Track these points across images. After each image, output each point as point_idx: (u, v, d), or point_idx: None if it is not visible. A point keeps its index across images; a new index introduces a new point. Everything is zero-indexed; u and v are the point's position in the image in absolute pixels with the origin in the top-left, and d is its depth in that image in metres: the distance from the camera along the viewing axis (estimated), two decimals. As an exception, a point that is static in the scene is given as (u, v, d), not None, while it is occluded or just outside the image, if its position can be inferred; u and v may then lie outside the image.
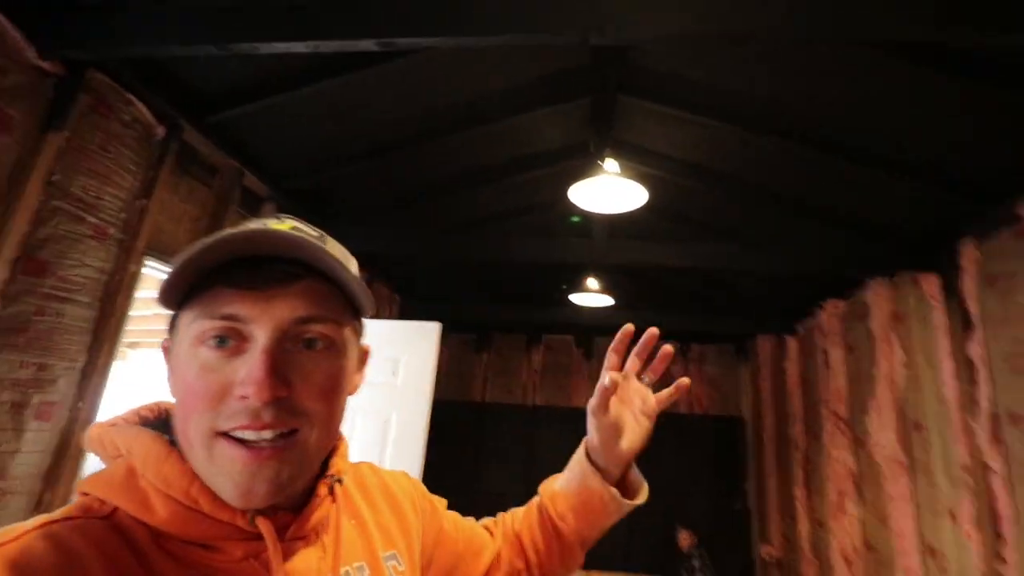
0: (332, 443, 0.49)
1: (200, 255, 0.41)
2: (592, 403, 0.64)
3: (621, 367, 0.68)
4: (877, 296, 3.08)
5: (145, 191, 1.94)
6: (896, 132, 2.13)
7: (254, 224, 0.46)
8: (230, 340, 0.42)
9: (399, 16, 1.21)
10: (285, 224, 0.47)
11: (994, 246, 2.30)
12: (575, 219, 3.02)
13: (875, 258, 2.82)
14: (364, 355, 0.53)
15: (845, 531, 3.32)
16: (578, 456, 0.68)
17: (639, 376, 0.68)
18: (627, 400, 0.67)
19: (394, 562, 0.55)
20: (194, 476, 0.42)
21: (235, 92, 2.06)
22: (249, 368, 0.41)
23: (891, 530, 2.84)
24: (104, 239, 1.79)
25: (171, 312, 0.46)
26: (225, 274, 0.43)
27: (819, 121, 2.24)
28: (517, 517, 0.73)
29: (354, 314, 0.49)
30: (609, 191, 2.14)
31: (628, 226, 3.06)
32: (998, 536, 2.18)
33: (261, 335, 0.42)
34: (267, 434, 0.40)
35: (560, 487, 0.70)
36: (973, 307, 2.37)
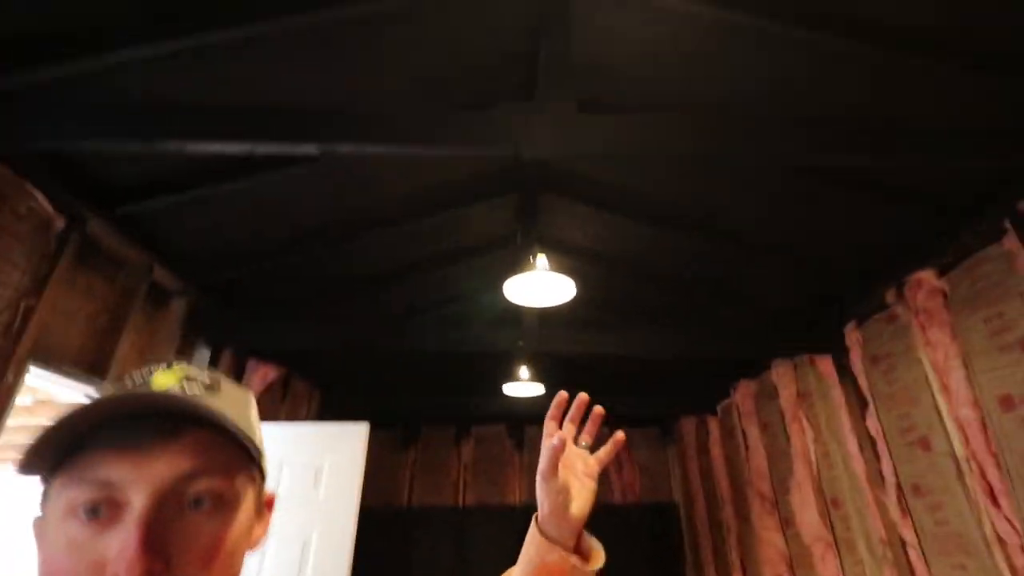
0: None
1: (72, 419, 0.38)
2: (542, 467, 0.63)
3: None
4: (782, 376, 3.33)
5: (35, 288, 1.74)
6: (788, 228, 2.45)
7: (135, 381, 0.44)
8: (103, 510, 0.38)
9: (343, 123, 1.26)
10: (173, 374, 0.45)
11: (871, 329, 2.62)
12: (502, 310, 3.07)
13: (777, 340, 3.09)
14: (268, 503, 0.50)
15: (784, 618, 3.29)
16: (531, 535, 0.67)
17: (576, 441, 0.69)
18: (569, 465, 0.66)
19: None
20: None
21: (148, 184, 1.98)
22: (122, 543, 0.37)
23: (826, 612, 2.86)
24: (-23, 343, 1.56)
25: (40, 482, 0.42)
26: (100, 434, 0.40)
27: (721, 216, 2.53)
28: None
29: (250, 459, 0.46)
30: (540, 285, 2.23)
31: (557, 315, 3.16)
32: (921, 609, 2.26)
33: (137, 500, 0.38)
34: None
35: (517, 568, 0.68)
36: (864, 384, 2.63)
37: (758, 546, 3.63)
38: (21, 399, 3.27)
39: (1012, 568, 1.85)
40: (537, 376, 4.09)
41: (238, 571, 0.43)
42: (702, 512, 4.74)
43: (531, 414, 5.35)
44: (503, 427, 5.74)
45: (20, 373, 1.64)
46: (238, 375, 2.97)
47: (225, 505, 0.42)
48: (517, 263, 2.57)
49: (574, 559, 0.63)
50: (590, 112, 1.50)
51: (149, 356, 2.27)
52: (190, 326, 2.58)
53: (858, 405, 2.67)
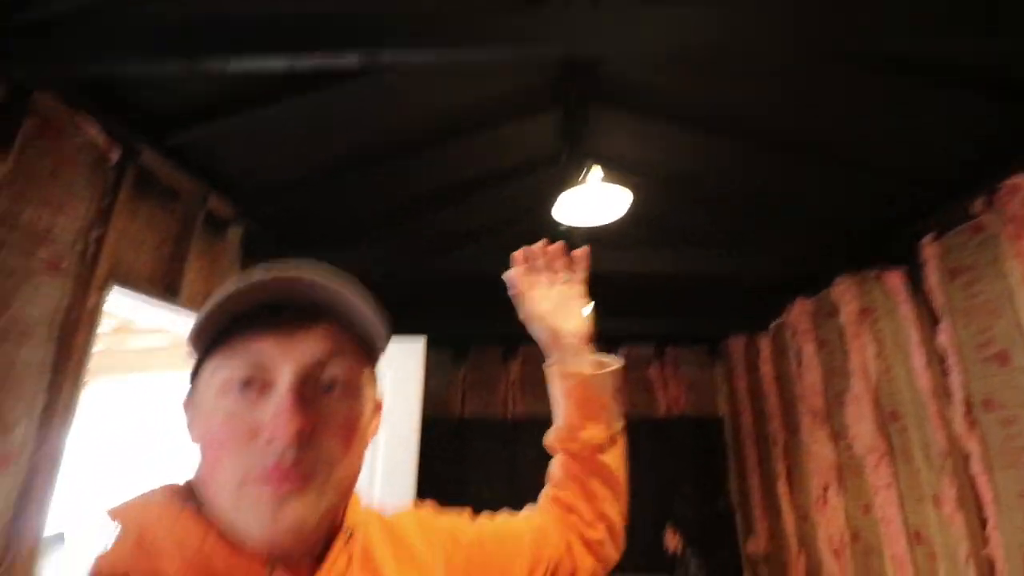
0: (351, 492, 0.49)
1: (233, 300, 0.43)
2: (511, 292, 0.73)
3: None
4: (844, 293, 3.18)
5: (102, 219, 1.81)
6: (860, 133, 2.22)
7: (278, 269, 0.46)
8: (254, 385, 0.43)
9: (386, 29, 1.17)
10: (292, 269, 0.48)
11: (953, 242, 2.41)
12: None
13: (843, 255, 2.92)
14: (378, 406, 0.54)
15: (830, 522, 3.38)
16: (548, 375, 0.76)
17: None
18: (546, 294, 0.75)
19: None
20: (209, 528, 0.41)
21: (197, 111, 1.96)
22: (276, 408, 0.42)
23: (876, 518, 2.91)
24: (57, 272, 1.65)
25: (192, 366, 0.48)
26: (248, 319, 0.45)
27: (784, 123, 2.31)
28: (556, 482, 0.77)
29: (369, 359, 0.51)
30: (591, 201, 2.14)
31: (606, 235, 3.07)
32: (980, 518, 2.26)
33: (283, 376, 0.43)
34: (292, 475, 0.41)
35: (554, 423, 0.77)
36: (938, 300, 2.47)
37: (806, 457, 3.67)
38: (103, 326, 3.56)
39: (1090, 481, 1.79)
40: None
41: (362, 458, 0.48)
42: (748, 426, 4.81)
43: (576, 334, 5.42)
44: (549, 347, 5.86)
45: (100, 296, 1.74)
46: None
47: (353, 393, 0.47)
48: (564, 182, 2.47)
49: (584, 365, 0.70)
50: (654, 4, 1.32)
51: (215, 282, 2.37)
52: (247, 254, 2.66)
53: (928, 320, 2.53)
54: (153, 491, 0.46)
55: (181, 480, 0.48)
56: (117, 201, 1.86)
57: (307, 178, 2.50)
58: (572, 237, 2.92)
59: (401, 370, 2.61)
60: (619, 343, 5.79)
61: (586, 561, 0.67)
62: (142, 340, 3.99)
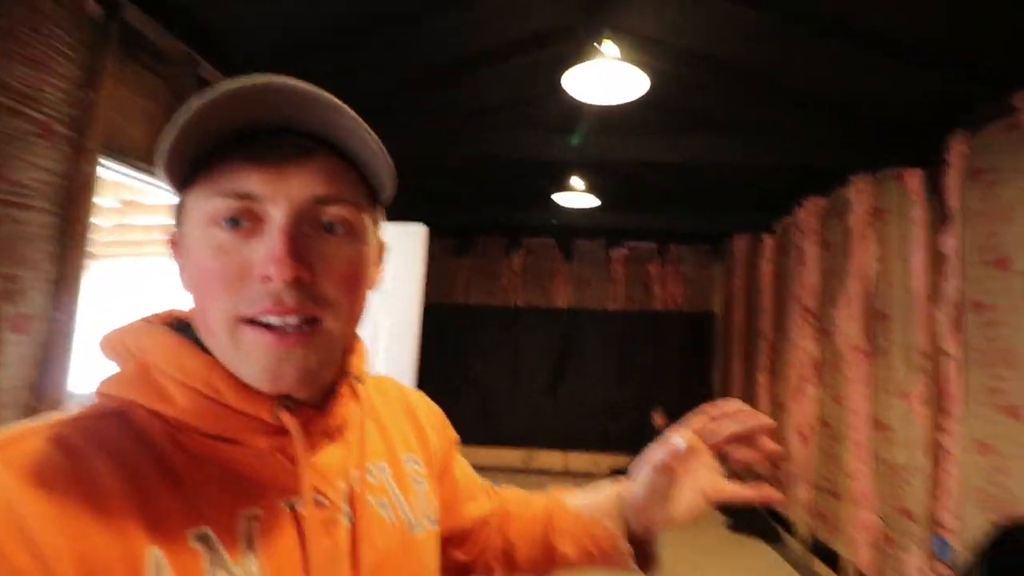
0: (353, 338, 0.47)
1: (204, 115, 0.37)
2: (656, 459, 0.56)
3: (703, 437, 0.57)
4: (860, 192, 3.10)
5: (90, 81, 1.72)
6: (896, 14, 2.00)
7: (258, 77, 0.39)
8: (244, 221, 0.39)
9: None
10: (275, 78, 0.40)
11: (984, 139, 2.30)
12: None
13: (862, 151, 2.80)
14: (381, 249, 0.49)
15: (803, 411, 3.65)
16: (609, 502, 0.61)
17: (721, 456, 0.56)
18: (691, 471, 0.56)
19: (414, 464, 0.54)
20: (215, 365, 0.40)
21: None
22: (269, 247, 0.38)
23: (846, 409, 3.13)
24: (51, 137, 1.61)
25: (176, 195, 0.42)
26: (233, 146, 0.39)
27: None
28: (515, 500, 0.67)
29: (371, 199, 0.45)
30: (604, 78, 2.00)
31: (618, 119, 2.92)
32: (944, 412, 2.43)
33: (277, 214, 0.39)
34: (291, 319, 0.38)
35: (574, 508, 0.63)
36: (954, 201, 2.42)
37: (790, 351, 3.86)
38: (108, 201, 3.54)
39: (1056, 381, 1.89)
40: (590, 188, 3.99)
41: (364, 302, 0.45)
42: (740, 322, 4.98)
43: (580, 226, 5.41)
44: (552, 240, 5.87)
45: (92, 164, 1.71)
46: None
47: (355, 235, 0.43)
48: (579, 60, 2.29)
49: (621, 544, 0.57)
50: None
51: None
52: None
53: (938, 223, 2.50)
54: (139, 321, 0.43)
55: (164, 313, 0.45)
56: (104, 63, 1.75)
57: (301, 46, 2.33)
58: (582, 118, 2.78)
59: (403, 255, 2.64)
60: (623, 237, 5.81)
61: (487, 547, 0.63)
62: (152, 218, 3.99)
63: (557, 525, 0.63)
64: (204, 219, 0.39)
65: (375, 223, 0.46)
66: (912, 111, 2.52)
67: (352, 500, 0.44)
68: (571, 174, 3.83)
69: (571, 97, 2.17)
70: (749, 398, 4.62)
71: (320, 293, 0.40)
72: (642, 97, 2.38)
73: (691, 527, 0.56)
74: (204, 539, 0.36)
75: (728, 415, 0.56)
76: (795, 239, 3.88)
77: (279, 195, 0.39)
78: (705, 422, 0.57)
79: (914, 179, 2.65)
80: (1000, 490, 2.08)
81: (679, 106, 3.15)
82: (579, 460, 5.61)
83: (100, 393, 0.40)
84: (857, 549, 2.96)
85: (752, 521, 4.10)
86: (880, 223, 2.93)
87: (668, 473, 0.56)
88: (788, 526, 3.80)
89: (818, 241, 3.58)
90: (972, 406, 2.25)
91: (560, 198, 3.99)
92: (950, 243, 2.41)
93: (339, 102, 0.40)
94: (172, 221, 0.43)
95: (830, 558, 3.22)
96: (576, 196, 3.92)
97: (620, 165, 3.42)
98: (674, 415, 5.45)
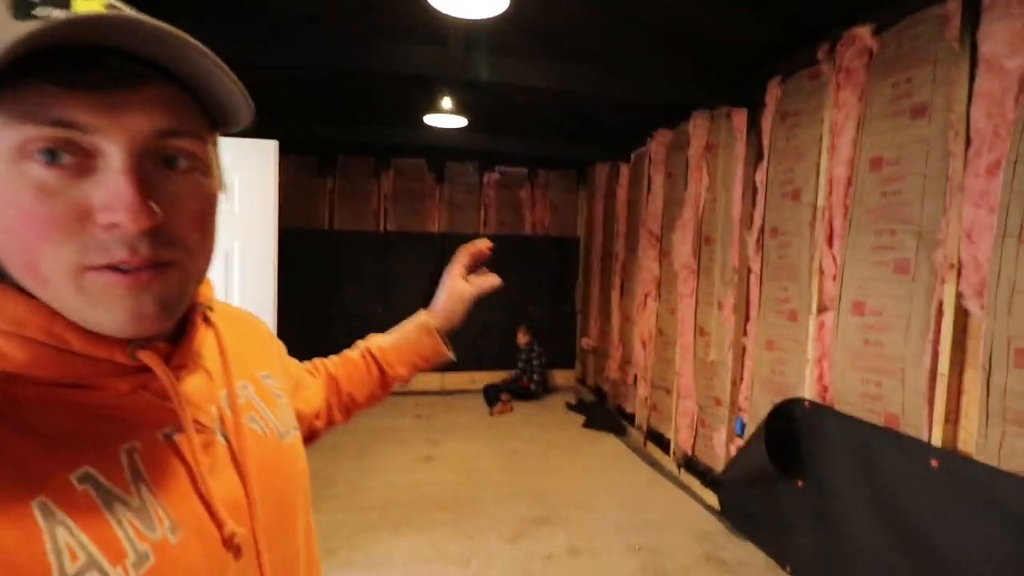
0: (207, 272, 0.46)
1: (23, 42, 0.30)
2: (459, 266, 0.85)
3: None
4: (697, 127, 3.44)
5: None
6: None
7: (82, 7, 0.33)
8: (65, 155, 0.33)
9: None
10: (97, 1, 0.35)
11: (792, 85, 2.66)
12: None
13: (704, 89, 3.08)
14: (222, 180, 0.46)
15: (645, 322, 4.18)
16: (420, 320, 0.84)
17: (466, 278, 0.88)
18: (465, 282, 0.87)
19: (270, 380, 0.56)
20: (53, 313, 0.36)
21: None
22: (113, 191, 0.34)
23: (677, 318, 3.66)
24: None
25: None
26: (47, 67, 0.33)
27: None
28: (333, 362, 0.81)
29: (211, 128, 0.42)
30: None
31: (484, 36, 2.84)
32: (746, 317, 2.96)
33: (115, 150, 0.34)
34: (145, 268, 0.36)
35: (391, 343, 0.83)
36: (766, 140, 2.80)
37: (637, 271, 4.33)
38: None
39: (820, 290, 2.40)
40: (459, 109, 3.89)
41: (216, 237, 0.43)
42: (599, 245, 5.41)
43: (452, 148, 5.30)
44: (423, 161, 5.69)
45: None
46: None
47: (202, 169, 0.40)
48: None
49: (444, 347, 0.83)
50: None
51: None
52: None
53: (754, 159, 2.89)
54: None
55: None
56: None
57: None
58: (447, 32, 2.66)
59: (253, 174, 2.39)
60: (495, 162, 5.83)
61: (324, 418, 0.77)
62: None
63: (386, 358, 0.81)
64: (11, 150, 0.33)
65: (217, 154, 0.44)
66: (745, 54, 2.81)
67: (223, 420, 0.46)
68: (437, 92, 3.68)
69: (431, 6, 2.05)
70: (605, 314, 5.16)
71: (174, 236, 0.37)
72: (508, 16, 2.33)
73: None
74: (87, 478, 0.35)
75: (457, 275, 0.85)
76: (646, 168, 4.23)
77: (114, 128, 0.34)
78: (463, 260, 0.86)
79: (740, 118, 3.00)
80: (779, 377, 2.65)
81: (545, 32, 3.14)
82: (455, 379, 5.88)
83: None
84: (680, 432, 3.61)
85: (602, 418, 4.73)
86: (711, 156, 3.31)
87: (458, 283, 0.85)
88: (631, 419, 4.45)
89: (664, 171, 3.95)
90: (764, 312, 2.78)
91: (430, 119, 3.84)
92: (760, 177, 2.82)
93: (189, 39, 0.35)
94: None
95: (662, 443, 3.88)
96: (444, 117, 3.80)
97: (486, 85, 3.36)
98: (543, 334, 5.90)
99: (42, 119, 0.33)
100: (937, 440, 1.83)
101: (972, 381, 1.75)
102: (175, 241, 0.37)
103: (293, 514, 0.50)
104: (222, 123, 0.43)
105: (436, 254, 5.71)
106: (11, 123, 0.33)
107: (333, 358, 0.82)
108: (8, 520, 0.31)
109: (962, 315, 1.77)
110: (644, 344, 4.20)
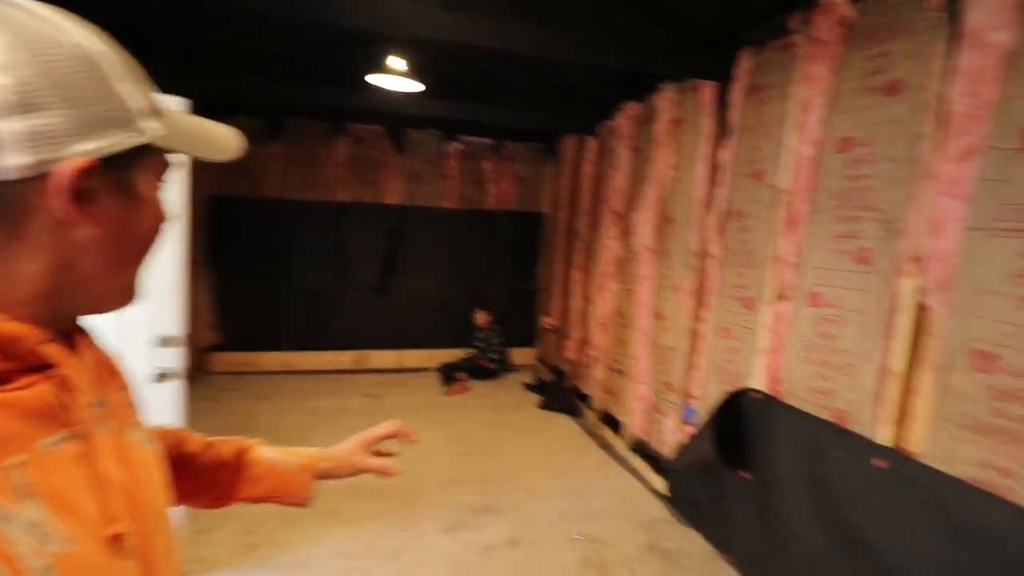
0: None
1: None
2: (374, 437, 0.84)
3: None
4: (665, 101, 3.25)
5: None
6: None
7: None
8: None
9: None
10: None
11: (764, 58, 2.48)
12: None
13: (673, 60, 2.87)
14: None
15: (604, 303, 4.05)
16: (311, 455, 0.80)
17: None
18: (366, 452, 0.84)
19: (130, 396, 0.56)
20: None
21: None
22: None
23: (635, 302, 3.53)
24: None
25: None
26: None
27: None
28: (195, 439, 0.75)
29: None
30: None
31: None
32: (702, 303, 2.84)
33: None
34: None
35: (270, 460, 0.77)
36: (734, 116, 2.63)
37: (599, 250, 4.17)
38: None
39: (779, 278, 2.28)
40: (415, 74, 3.58)
41: None
42: (563, 222, 5.23)
43: (412, 116, 4.98)
44: (382, 128, 5.36)
45: None
46: None
47: None
48: None
49: (307, 493, 0.78)
50: None
51: None
52: None
53: (720, 135, 2.73)
54: None
55: None
56: None
57: None
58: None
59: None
60: (458, 131, 5.53)
61: None
62: None
63: (250, 472, 0.75)
64: (156, 192, 0.47)
65: None
66: (718, 23, 2.60)
67: (107, 424, 0.47)
68: (386, 50, 3.37)
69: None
70: (566, 293, 5.01)
71: None
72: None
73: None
74: None
75: (371, 439, 0.84)
76: (613, 143, 4.03)
77: None
78: (366, 442, 0.84)
79: (708, 91, 2.82)
80: (732, 366, 2.55)
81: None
82: (413, 357, 5.69)
83: None
84: (634, 417, 3.52)
85: (559, 400, 4.63)
86: (678, 132, 3.13)
87: (358, 451, 0.83)
88: (588, 401, 4.36)
89: (630, 146, 3.76)
90: (721, 299, 2.66)
91: (380, 80, 3.53)
92: (725, 155, 2.66)
93: None
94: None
95: (617, 426, 3.80)
96: (396, 79, 3.50)
97: (439, 44, 3.08)
98: (503, 311, 5.74)
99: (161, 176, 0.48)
100: (884, 439, 1.74)
101: (926, 381, 1.66)
102: None
103: (165, 515, 0.53)
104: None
105: (394, 227, 5.42)
106: (152, 178, 0.46)
107: (201, 437, 0.76)
108: None
109: (921, 312, 1.66)
110: (603, 326, 4.08)
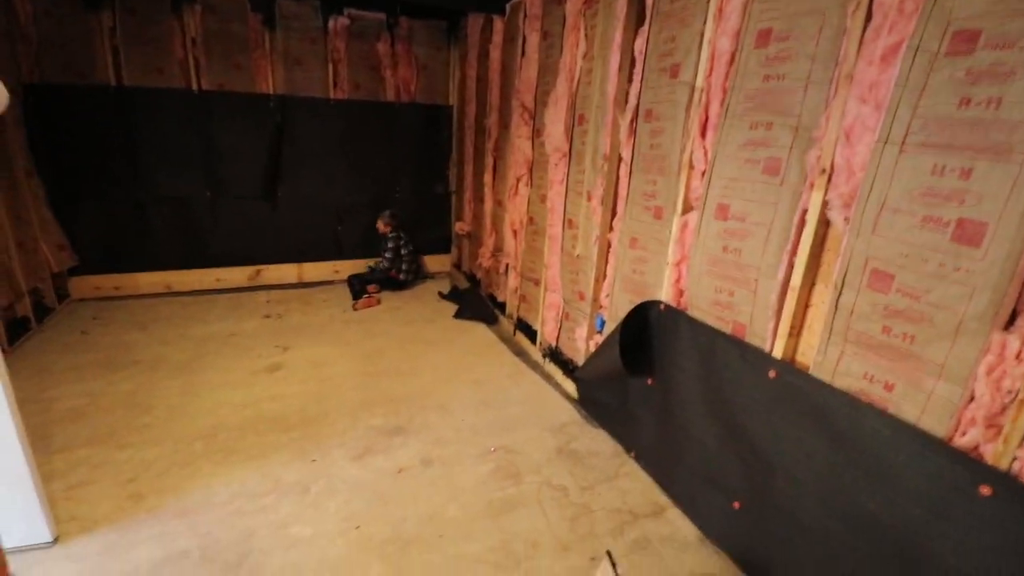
0: None
1: None
2: None
3: None
4: (578, -26, 2.82)
5: None
6: None
7: None
8: None
9: None
10: None
11: (685, -77, 2.13)
12: None
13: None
14: None
15: (516, 209, 3.84)
16: None
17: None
18: None
19: None
20: None
21: None
22: None
23: (547, 208, 3.35)
24: None
25: None
26: None
27: None
28: None
29: None
30: None
31: None
32: (613, 211, 2.71)
33: None
34: None
35: None
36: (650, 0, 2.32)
37: (510, 151, 3.87)
38: None
39: (688, 187, 2.17)
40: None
41: None
42: (472, 118, 4.77)
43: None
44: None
45: None
46: None
47: None
48: None
49: None
50: None
51: None
52: None
53: (636, 22, 2.42)
54: None
55: None
56: None
57: None
58: None
59: None
60: (344, 3, 4.65)
61: None
62: None
63: None
64: None
65: None
66: None
67: None
68: None
69: None
70: (479, 198, 4.73)
71: None
72: None
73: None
74: None
75: None
76: (521, 25, 3.56)
77: None
78: None
79: (624, -36, 2.44)
80: (639, 277, 2.51)
81: None
82: (315, 270, 5.28)
83: None
84: (546, 325, 3.51)
85: (474, 307, 4.55)
86: (591, 14, 2.76)
87: None
88: (503, 308, 4.32)
89: (539, 29, 3.33)
90: (631, 207, 2.54)
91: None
92: (639, 45, 2.38)
93: None
94: None
95: (531, 333, 3.80)
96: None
97: None
98: (413, 217, 5.38)
99: None
100: (778, 352, 1.79)
101: (821, 295, 1.67)
102: None
103: None
104: None
105: (274, 121, 4.68)
106: None
107: None
108: None
109: (823, 226, 1.62)
110: (515, 233, 3.91)
